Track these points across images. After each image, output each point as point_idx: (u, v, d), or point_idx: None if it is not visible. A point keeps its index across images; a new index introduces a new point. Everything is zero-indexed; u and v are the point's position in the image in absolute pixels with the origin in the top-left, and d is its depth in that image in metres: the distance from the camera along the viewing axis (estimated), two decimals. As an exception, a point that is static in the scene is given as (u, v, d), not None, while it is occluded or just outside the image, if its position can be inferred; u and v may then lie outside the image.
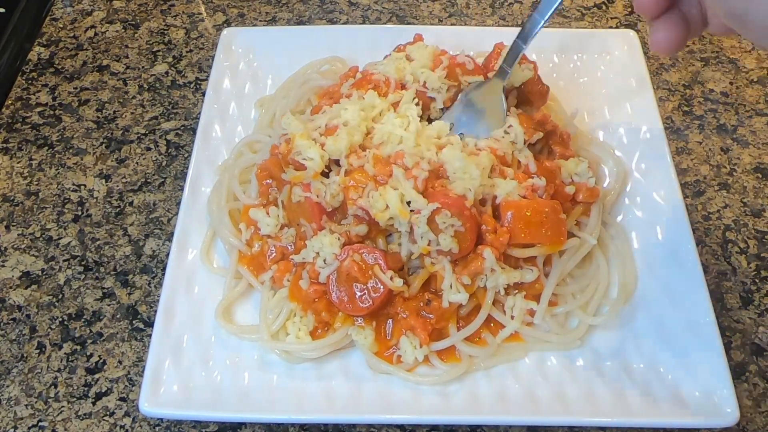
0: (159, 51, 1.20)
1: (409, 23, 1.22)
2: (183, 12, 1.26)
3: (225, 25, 1.23)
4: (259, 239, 0.89)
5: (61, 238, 0.98)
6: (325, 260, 0.83)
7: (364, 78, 0.94)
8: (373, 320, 0.84)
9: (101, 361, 0.87)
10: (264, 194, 0.92)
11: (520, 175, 0.86)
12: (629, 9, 1.25)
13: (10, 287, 0.93)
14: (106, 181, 1.03)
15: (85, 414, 0.83)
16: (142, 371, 0.80)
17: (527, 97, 0.97)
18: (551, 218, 0.84)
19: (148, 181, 1.03)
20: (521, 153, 0.89)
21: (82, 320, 0.90)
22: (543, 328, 0.85)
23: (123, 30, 1.23)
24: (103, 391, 0.85)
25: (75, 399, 0.84)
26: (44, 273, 0.94)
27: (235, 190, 0.94)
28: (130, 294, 0.92)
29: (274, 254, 0.88)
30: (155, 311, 0.84)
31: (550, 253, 0.86)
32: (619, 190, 0.95)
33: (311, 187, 0.85)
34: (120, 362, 0.87)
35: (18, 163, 1.06)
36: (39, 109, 1.12)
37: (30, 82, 1.16)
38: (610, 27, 1.22)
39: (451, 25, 1.22)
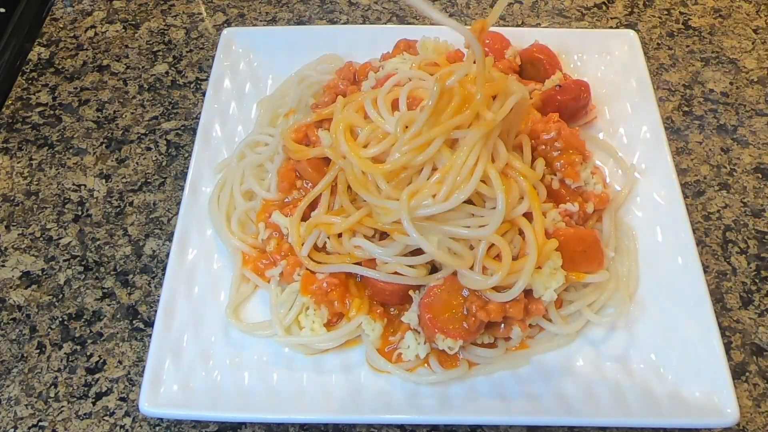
0: (159, 51, 1.20)
1: (409, 23, 1.22)
2: (183, 12, 1.26)
3: (225, 25, 1.23)
4: (275, 239, 0.89)
5: (61, 238, 0.98)
6: None
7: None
8: (385, 316, 0.85)
9: (101, 361, 0.87)
10: (285, 191, 0.92)
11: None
12: (629, 9, 1.25)
13: (10, 287, 0.93)
14: (106, 181, 1.03)
15: (85, 414, 0.83)
16: (142, 371, 0.80)
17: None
18: (593, 248, 0.86)
19: (148, 181, 1.04)
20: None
21: (82, 320, 0.90)
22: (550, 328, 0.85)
23: (123, 30, 1.23)
24: (103, 391, 0.85)
25: (75, 399, 0.84)
26: (44, 273, 0.94)
27: (252, 186, 0.94)
28: (130, 294, 0.92)
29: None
30: (155, 311, 0.84)
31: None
32: (627, 193, 0.95)
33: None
34: (120, 362, 0.87)
35: (18, 163, 1.06)
36: (39, 109, 1.12)
37: (30, 82, 1.16)
38: (610, 27, 1.22)
39: (451, 25, 1.22)
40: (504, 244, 0.80)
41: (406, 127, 0.81)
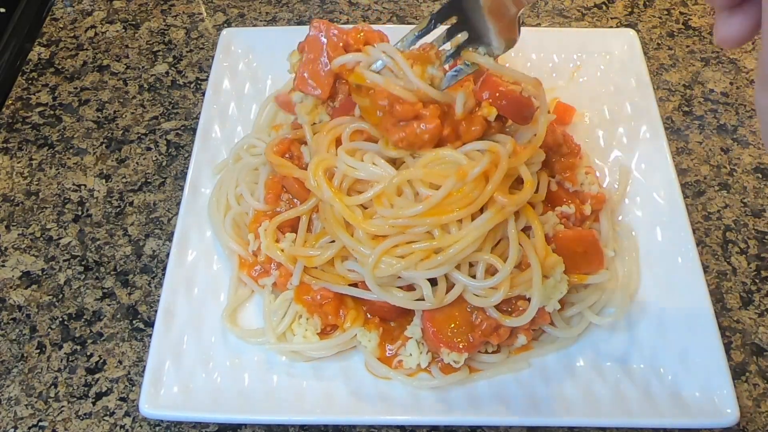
0: (159, 51, 1.20)
1: (409, 23, 1.22)
2: (183, 12, 1.26)
3: (225, 25, 1.23)
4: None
5: (61, 238, 0.98)
6: None
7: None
8: (381, 326, 0.84)
9: (101, 361, 0.87)
10: (272, 202, 0.90)
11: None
12: (629, 9, 1.25)
13: (10, 287, 0.93)
14: (106, 181, 1.03)
15: (85, 414, 0.83)
16: (143, 371, 0.80)
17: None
18: (593, 248, 0.85)
19: (148, 181, 1.03)
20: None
21: (82, 320, 0.90)
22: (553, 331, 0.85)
23: (123, 30, 1.23)
24: (103, 391, 0.85)
25: (75, 399, 0.84)
26: (44, 273, 0.94)
27: (243, 194, 0.93)
28: (130, 294, 0.92)
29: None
30: (155, 311, 0.84)
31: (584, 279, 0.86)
32: (623, 191, 0.95)
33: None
34: (120, 362, 0.87)
35: (18, 163, 1.06)
36: (39, 109, 1.12)
37: (30, 82, 1.16)
38: (610, 27, 1.22)
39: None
40: (499, 263, 0.78)
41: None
